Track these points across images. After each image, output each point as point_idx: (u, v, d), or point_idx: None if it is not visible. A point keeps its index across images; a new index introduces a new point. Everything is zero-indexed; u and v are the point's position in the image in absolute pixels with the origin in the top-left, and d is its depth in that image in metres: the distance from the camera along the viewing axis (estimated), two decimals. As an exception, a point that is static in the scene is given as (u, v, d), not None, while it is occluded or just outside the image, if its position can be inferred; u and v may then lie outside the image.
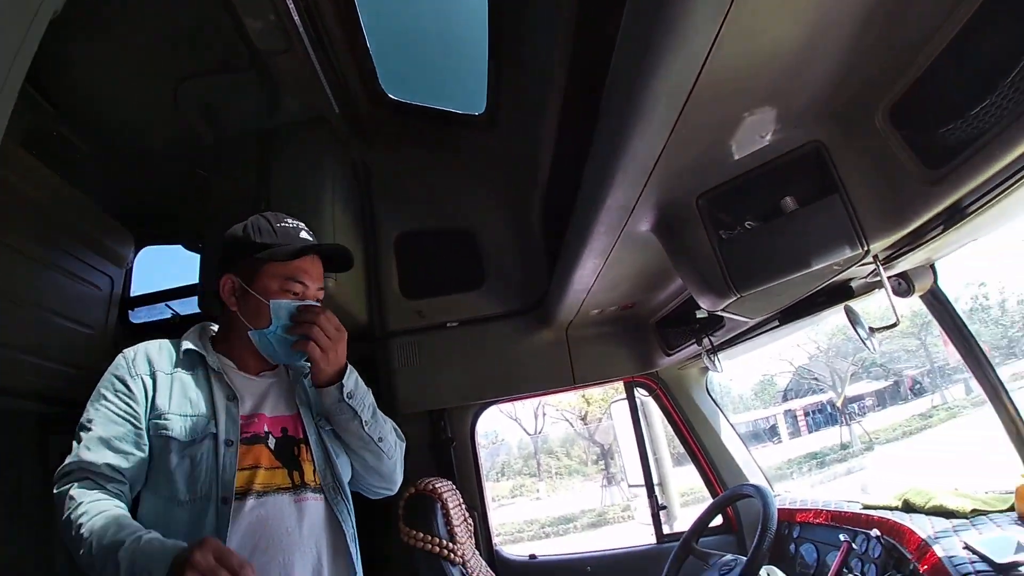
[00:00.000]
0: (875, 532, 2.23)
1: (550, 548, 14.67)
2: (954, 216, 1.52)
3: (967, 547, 1.82)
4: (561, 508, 19.54)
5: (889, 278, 1.96)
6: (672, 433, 3.62)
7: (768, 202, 1.70)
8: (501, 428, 27.31)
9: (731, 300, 1.79)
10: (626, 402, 3.60)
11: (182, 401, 1.63)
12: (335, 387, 1.68)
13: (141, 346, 1.71)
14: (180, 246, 3.71)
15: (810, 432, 24.91)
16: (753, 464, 3.38)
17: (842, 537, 2.38)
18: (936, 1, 1.23)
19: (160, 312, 3.65)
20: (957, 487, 2.36)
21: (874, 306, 2.41)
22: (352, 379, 1.70)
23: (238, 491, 1.56)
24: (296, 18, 2.31)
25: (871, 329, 1.97)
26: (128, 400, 1.59)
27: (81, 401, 1.62)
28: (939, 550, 1.88)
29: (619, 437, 3.95)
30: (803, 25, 1.22)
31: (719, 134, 1.54)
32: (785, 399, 27.11)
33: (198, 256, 3.14)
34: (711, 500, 3.31)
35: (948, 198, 1.41)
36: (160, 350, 1.71)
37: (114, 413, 1.57)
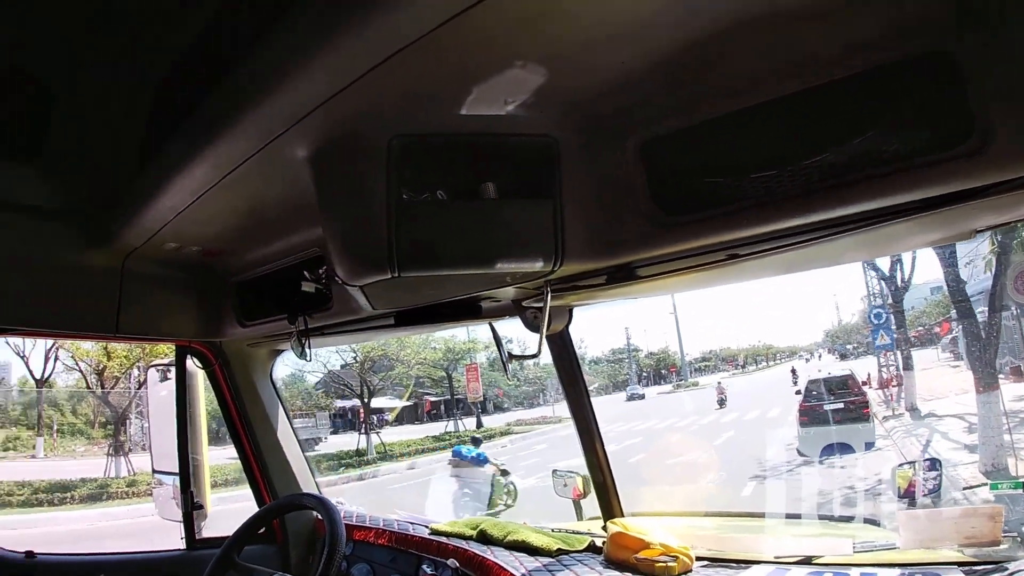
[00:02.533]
0: (453, 562, 2.12)
1: (45, 521, 12.52)
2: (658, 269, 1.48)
3: None
4: (60, 472, 16.87)
5: (533, 309, 1.87)
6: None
7: (468, 179, 1.43)
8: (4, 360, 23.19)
9: (382, 277, 1.41)
10: (170, 371, 2.95)
11: None
12: None
13: None
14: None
15: (331, 435, 26.20)
16: (307, 470, 3.04)
17: (427, 570, 2.22)
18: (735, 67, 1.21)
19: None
20: (525, 521, 2.41)
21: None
22: None
23: None
24: None
25: (510, 355, 1.86)
26: None
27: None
28: None
29: (151, 410, 3.29)
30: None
31: (466, 70, 1.19)
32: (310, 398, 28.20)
33: None
34: (250, 498, 2.95)
35: (667, 246, 1.36)
36: None
37: None
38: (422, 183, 1.41)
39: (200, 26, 2.00)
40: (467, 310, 1.97)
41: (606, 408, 27.25)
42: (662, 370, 39.98)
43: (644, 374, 39.45)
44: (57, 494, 15.22)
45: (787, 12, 1.07)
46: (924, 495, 2.04)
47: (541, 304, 1.71)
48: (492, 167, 1.44)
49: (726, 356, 43.73)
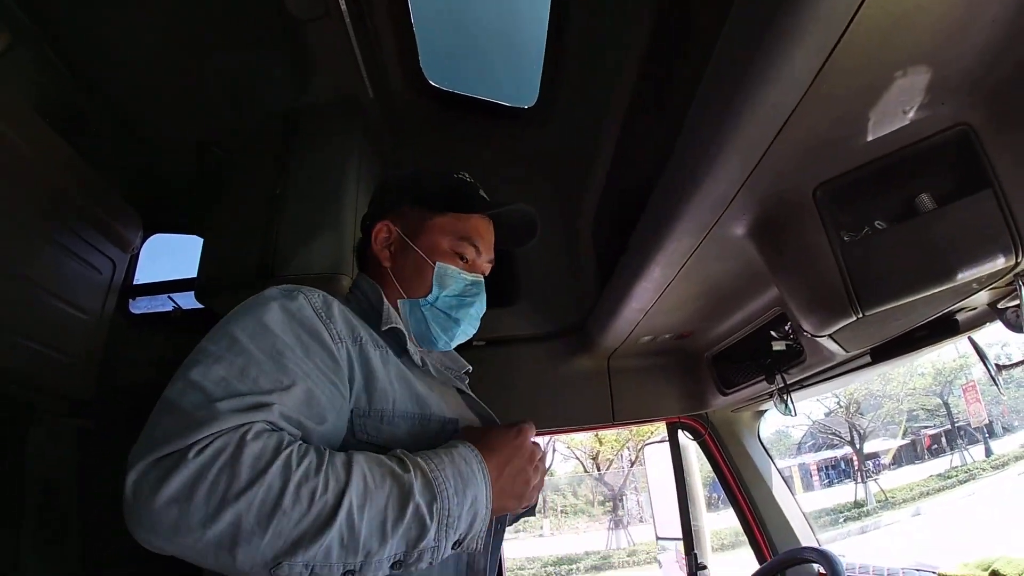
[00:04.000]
0: None
1: None
2: None
3: None
4: (565, 547, 19.06)
5: (1012, 307, 1.65)
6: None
7: (899, 199, 1.39)
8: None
9: (848, 321, 1.44)
10: (664, 445, 3.23)
11: (409, 401, 1.17)
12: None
13: (317, 292, 1.14)
14: (189, 236, 3.41)
15: (823, 486, 24.54)
16: (805, 524, 2.98)
17: None
18: None
19: (162, 304, 3.35)
20: None
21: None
22: None
23: None
24: None
25: (998, 366, 1.67)
26: (332, 369, 1.04)
27: (63, 392, 1.23)
28: None
29: (651, 483, 3.59)
30: None
31: (856, 103, 1.21)
32: (799, 452, 26.77)
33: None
34: (753, 557, 2.99)
35: None
36: (344, 310, 1.17)
37: (321, 374, 1.02)
38: (858, 219, 1.42)
39: (609, 159, 2.41)
40: (943, 328, 1.81)
41: None
42: None
43: None
44: (564, 566, 17.08)
45: None
46: None
47: (1018, 301, 1.52)
48: (920, 178, 1.39)
49: None
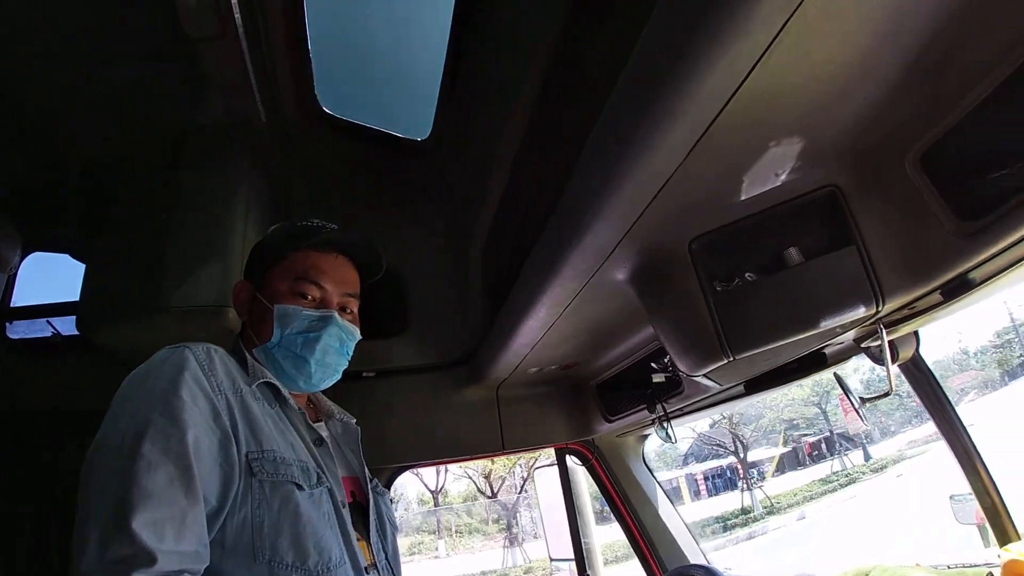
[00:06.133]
0: None
1: None
2: (983, 273, 1.37)
3: None
4: (461, 568, 18.95)
5: (875, 346, 1.81)
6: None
7: (769, 252, 1.50)
8: (401, 480, 26.42)
9: (720, 364, 1.54)
10: (553, 468, 3.31)
11: (282, 441, 1.26)
12: None
13: (200, 346, 1.24)
14: (69, 256, 3.18)
15: (710, 496, 25.54)
16: (692, 541, 3.12)
17: None
18: (997, 38, 1.08)
19: (40, 329, 3.11)
20: (918, 562, 2.23)
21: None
22: None
23: None
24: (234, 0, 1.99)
25: (862, 399, 1.82)
26: (216, 423, 1.15)
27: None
28: None
29: (542, 506, 3.65)
30: (854, 49, 1.04)
31: (734, 166, 1.31)
32: (686, 463, 27.73)
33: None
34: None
35: (982, 253, 1.25)
36: (226, 361, 1.28)
37: (205, 444, 1.12)
38: (730, 270, 1.53)
39: (499, 197, 2.46)
40: (812, 363, 1.95)
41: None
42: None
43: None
44: None
45: None
46: None
47: (880, 342, 1.66)
48: (789, 233, 1.49)
49: None
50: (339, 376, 1.49)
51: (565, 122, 1.87)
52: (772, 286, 1.48)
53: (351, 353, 1.50)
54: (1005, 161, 1.16)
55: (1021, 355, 31.01)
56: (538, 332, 2.17)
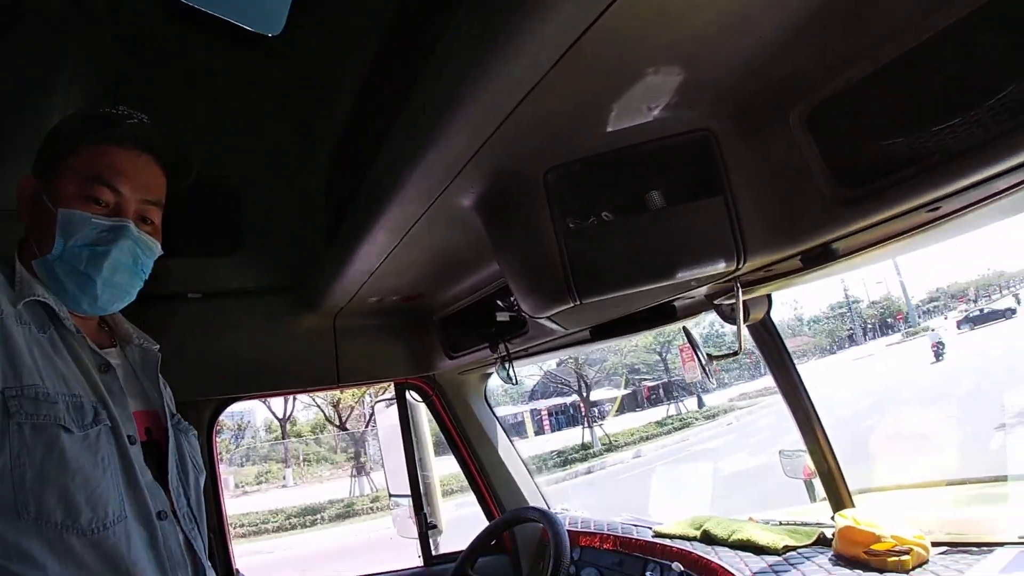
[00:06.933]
0: (677, 567, 2.08)
1: (298, 542, 14.03)
2: (847, 246, 1.35)
3: None
4: (309, 497, 18.73)
5: (727, 304, 1.79)
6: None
7: (630, 193, 1.38)
8: (248, 407, 25.99)
9: (566, 307, 1.42)
10: (394, 404, 3.16)
11: (51, 372, 1.09)
12: None
13: None
14: None
15: (553, 431, 26.78)
16: (531, 482, 3.14)
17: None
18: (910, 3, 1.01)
19: None
20: (751, 516, 2.32)
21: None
22: None
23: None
24: None
25: (709, 356, 1.82)
26: None
27: None
28: None
29: (382, 441, 3.56)
30: None
31: (605, 89, 1.16)
32: (532, 399, 28.82)
33: None
34: (482, 513, 3.09)
35: (853, 223, 1.21)
36: None
37: None
38: (586, 208, 1.40)
39: (348, 106, 2.20)
40: (661, 315, 1.91)
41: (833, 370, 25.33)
42: (888, 319, 36.44)
43: (869, 326, 36.33)
44: (308, 517, 16.79)
45: None
46: None
47: (734, 301, 1.62)
48: (653, 176, 1.38)
49: (954, 292, 38.80)
50: (132, 298, 1.28)
51: (421, 31, 1.66)
52: (629, 229, 1.37)
53: (148, 272, 1.27)
54: (898, 132, 1.11)
55: (850, 328, 35.09)
56: (376, 258, 1.97)
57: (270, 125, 2.62)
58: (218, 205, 2.61)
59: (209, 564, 1.26)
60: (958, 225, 1.38)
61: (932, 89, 1.07)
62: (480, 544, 2.37)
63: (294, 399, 21.77)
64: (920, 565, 1.72)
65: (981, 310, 26.61)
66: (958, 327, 24.83)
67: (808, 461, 2.39)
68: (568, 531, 2.37)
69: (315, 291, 2.52)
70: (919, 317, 35.03)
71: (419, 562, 3.02)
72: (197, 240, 2.54)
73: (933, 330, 23.11)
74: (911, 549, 1.72)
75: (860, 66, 1.12)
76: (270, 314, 2.71)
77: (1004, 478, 2.59)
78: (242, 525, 15.78)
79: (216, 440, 2.85)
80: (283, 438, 23.89)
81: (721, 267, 1.35)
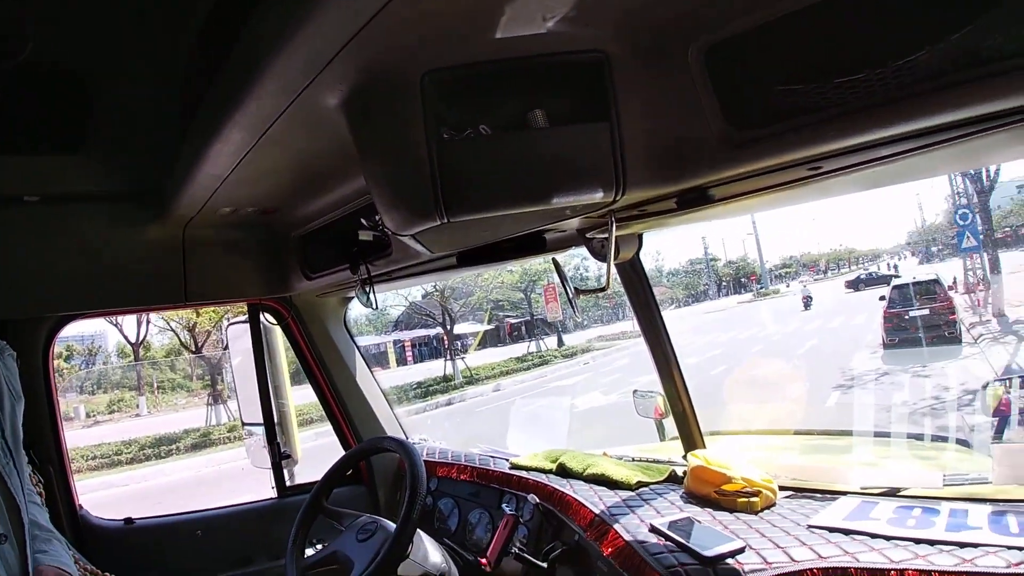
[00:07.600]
0: (533, 498, 2.10)
1: (152, 474, 13.37)
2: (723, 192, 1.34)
3: (655, 530, 1.73)
4: (164, 426, 17.85)
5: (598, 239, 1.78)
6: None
7: (513, 109, 1.30)
8: (100, 330, 24.51)
9: (432, 225, 1.32)
10: (246, 326, 3.00)
11: None
12: None
13: None
14: None
15: (416, 362, 27.13)
16: (389, 412, 3.10)
17: (507, 509, 2.21)
18: None
19: None
20: (605, 452, 2.41)
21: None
22: None
23: None
24: None
25: (576, 290, 1.79)
26: None
27: None
28: (623, 532, 1.76)
29: (235, 367, 3.37)
30: None
31: None
32: (396, 329, 28.90)
33: None
34: (336, 440, 3.06)
35: (739, 166, 1.20)
36: None
37: None
38: (463, 119, 1.30)
39: None
40: (530, 245, 1.88)
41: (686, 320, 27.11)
42: (742, 279, 39.37)
43: (723, 283, 39.10)
44: (163, 447, 16.02)
45: None
46: (1020, 415, 1.85)
47: (607, 235, 1.59)
48: (539, 93, 1.31)
49: (807, 262, 42.58)
50: None
51: None
52: (507, 146, 1.30)
53: None
54: (800, 79, 1.10)
55: (706, 284, 37.99)
56: (230, 160, 1.77)
57: (128, 4, 2.27)
58: (59, 94, 2.17)
59: (35, 501, 1.11)
60: (833, 185, 1.42)
61: (843, 40, 1.06)
62: (335, 474, 2.28)
63: (147, 321, 20.37)
64: (768, 507, 1.82)
65: (871, 273, 30.64)
66: (846, 287, 28.46)
67: (660, 402, 2.49)
68: (425, 462, 2.35)
69: (164, 197, 2.26)
70: (771, 281, 38.14)
71: (273, 493, 2.92)
72: (34, 135, 2.18)
73: (781, 293, 25.61)
74: (760, 492, 1.82)
75: (770, 9, 1.09)
76: (115, 222, 2.42)
77: (849, 432, 2.84)
78: (93, 458, 14.89)
79: (52, 364, 2.60)
80: (136, 364, 22.51)
81: (598, 196, 1.31)
